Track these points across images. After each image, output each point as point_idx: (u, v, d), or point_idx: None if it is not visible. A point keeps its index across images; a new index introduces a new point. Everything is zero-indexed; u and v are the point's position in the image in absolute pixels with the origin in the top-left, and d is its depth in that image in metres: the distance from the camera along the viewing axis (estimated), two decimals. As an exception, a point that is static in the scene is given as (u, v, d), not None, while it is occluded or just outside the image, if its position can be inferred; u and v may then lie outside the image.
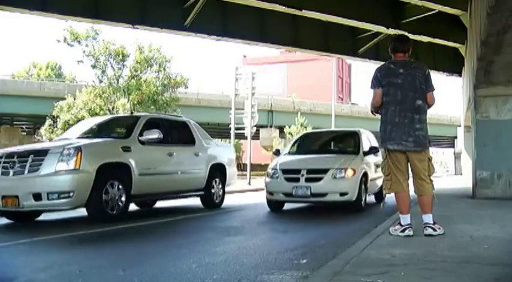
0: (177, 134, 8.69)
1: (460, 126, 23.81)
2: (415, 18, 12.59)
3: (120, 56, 28.05)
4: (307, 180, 7.83)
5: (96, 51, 27.48)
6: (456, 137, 37.81)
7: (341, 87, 74.71)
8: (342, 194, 7.82)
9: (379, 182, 9.14)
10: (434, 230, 4.44)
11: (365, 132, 9.83)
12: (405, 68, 4.62)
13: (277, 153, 9.70)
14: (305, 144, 10.18)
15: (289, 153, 9.48)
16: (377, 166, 8.95)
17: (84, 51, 27.32)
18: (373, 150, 8.81)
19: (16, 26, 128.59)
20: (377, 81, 4.69)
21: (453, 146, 53.40)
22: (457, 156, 45.44)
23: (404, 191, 4.61)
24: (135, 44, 28.22)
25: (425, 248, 3.90)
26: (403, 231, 4.52)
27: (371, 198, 9.57)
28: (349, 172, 7.91)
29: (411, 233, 4.48)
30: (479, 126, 9.72)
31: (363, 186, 8.24)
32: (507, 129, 9.40)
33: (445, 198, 9.19)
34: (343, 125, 42.56)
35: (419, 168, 4.59)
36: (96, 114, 27.22)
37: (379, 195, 9.60)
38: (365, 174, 8.38)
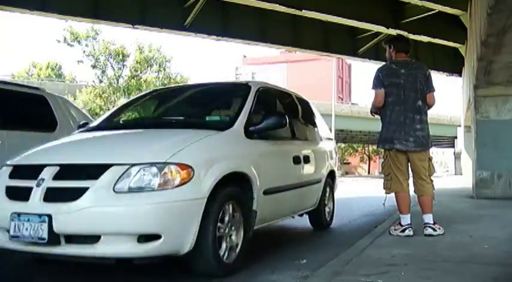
0: (19, 112, 5.66)
1: (460, 126, 23.81)
2: (415, 18, 12.58)
3: (120, 56, 28.15)
4: (50, 195, 3.02)
5: (96, 51, 27.57)
6: (456, 137, 37.77)
7: (341, 87, 74.73)
8: (145, 239, 2.91)
9: (310, 195, 5.25)
10: (434, 230, 4.45)
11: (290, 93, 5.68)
12: (406, 68, 4.64)
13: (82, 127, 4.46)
14: (140, 109, 5.44)
15: (96, 127, 4.29)
16: (304, 160, 4.89)
17: (84, 51, 27.46)
18: (271, 123, 3.95)
19: (16, 26, 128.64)
20: (379, 82, 4.67)
21: (453, 146, 53.35)
22: (457, 156, 45.40)
23: (404, 191, 4.62)
24: (135, 44, 28.34)
25: (425, 248, 3.90)
26: (403, 231, 4.52)
27: (300, 223, 5.96)
28: (173, 175, 3.01)
29: (411, 233, 4.49)
30: (479, 126, 9.72)
31: (230, 214, 3.43)
32: (507, 129, 9.40)
33: (445, 198, 9.18)
34: (343, 125, 42.58)
35: (419, 168, 4.60)
36: (96, 114, 27.33)
37: (317, 216, 5.68)
38: (241, 179, 3.61)
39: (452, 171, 65.76)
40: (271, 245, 4.95)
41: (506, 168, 9.36)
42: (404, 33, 12.55)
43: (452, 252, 3.72)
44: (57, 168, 3.13)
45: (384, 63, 4.96)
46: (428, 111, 4.77)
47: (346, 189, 19.82)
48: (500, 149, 9.36)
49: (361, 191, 18.82)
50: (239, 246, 3.51)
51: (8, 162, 3.53)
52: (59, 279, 3.54)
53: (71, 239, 2.96)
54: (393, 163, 4.63)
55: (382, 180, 4.82)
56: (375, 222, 6.07)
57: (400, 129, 4.55)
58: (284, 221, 7.30)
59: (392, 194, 4.72)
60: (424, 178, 4.60)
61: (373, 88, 4.72)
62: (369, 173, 69.36)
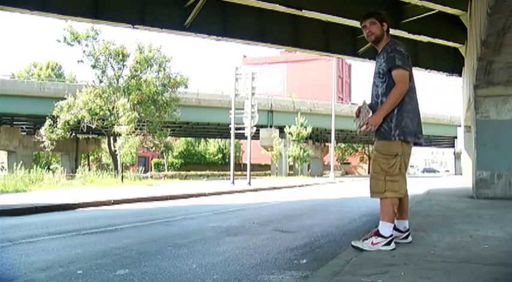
0: None
1: (460, 126, 23.84)
2: (415, 18, 12.58)
3: (120, 56, 28.16)
4: None
5: (96, 51, 27.59)
6: (456, 137, 37.83)
7: (341, 87, 74.74)
8: None
9: None
10: None
11: None
12: None
13: None
14: None
15: None
16: None
17: (84, 51, 27.47)
18: None
19: (16, 26, 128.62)
20: (405, 61, 3.76)
21: (453, 146, 53.43)
22: (457, 156, 45.43)
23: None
24: (135, 44, 28.34)
25: (425, 248, 3.89)
26: (405, 237, 4.06)
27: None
28: None
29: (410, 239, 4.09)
30: (479, 126, 9.73)
31: None
32: (507, 129, 9.41)
33: (445, 198, 9.20)
34: (343, 125, 42.58)
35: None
36: (96, 114, 27.32)
37: None
38: None
39: (452, 171, 65.80)
40: (271, 245, 4.95)
41: (506, 168, 9.36)
42: (405, 34, 12.60)
43: (453, 252, 3.72)
44: None
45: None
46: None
47: (346, 190, 19.84)
48: (500, 149, 9.37)
49: (361, 191, 18.82)
50: None
51: None
52: (59, 279, 3.53)
53: None
54: (404, 161, 3.83)
55: (382, 181, 3.81)
56: (375, 222, 6.05)
57: (420, 121, 3.90)
58: (283, 221, 7.30)
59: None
60: None
61: (403, 66, 3.72)
62: (368, 173, 69.36)
